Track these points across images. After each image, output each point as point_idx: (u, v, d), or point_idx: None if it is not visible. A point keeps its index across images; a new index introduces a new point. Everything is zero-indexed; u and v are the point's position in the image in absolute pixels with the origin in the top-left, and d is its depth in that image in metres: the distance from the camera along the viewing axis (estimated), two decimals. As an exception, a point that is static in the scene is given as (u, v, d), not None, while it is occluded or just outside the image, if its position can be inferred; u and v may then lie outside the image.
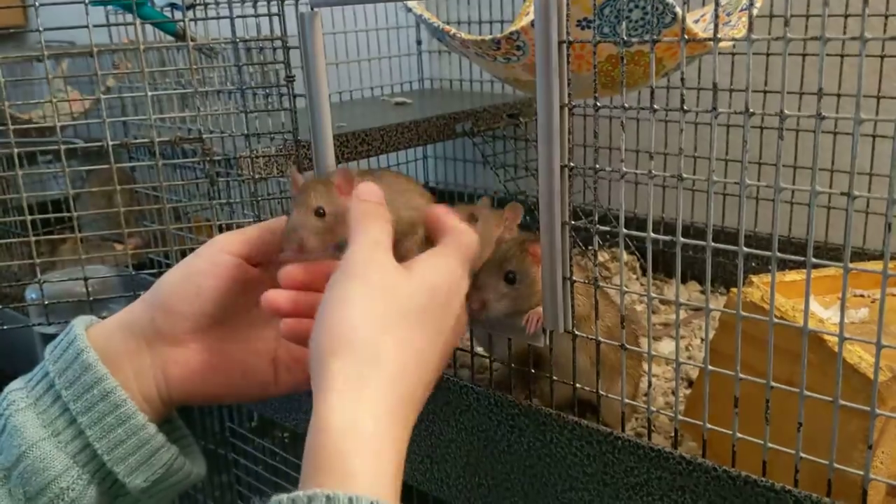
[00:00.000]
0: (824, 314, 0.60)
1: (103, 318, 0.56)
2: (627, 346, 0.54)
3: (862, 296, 0.64)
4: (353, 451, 0.41)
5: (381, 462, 0.42)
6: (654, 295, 0.54)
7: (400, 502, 0.43)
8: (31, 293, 0.96)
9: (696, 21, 0.83)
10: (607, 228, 0.56)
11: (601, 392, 0.58)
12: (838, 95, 0.84)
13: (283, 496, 0.39)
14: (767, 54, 0.90)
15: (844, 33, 0.84)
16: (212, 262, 0.54)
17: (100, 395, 0.51)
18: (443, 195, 1.26)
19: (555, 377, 0.61)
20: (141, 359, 0.54)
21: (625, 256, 1.05)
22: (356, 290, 0.46)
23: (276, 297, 0.53)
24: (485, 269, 0.58)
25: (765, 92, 0.90)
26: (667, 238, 0.51)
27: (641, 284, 0.99)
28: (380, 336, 0.45)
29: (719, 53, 0.95)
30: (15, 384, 0.53)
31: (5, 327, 0.82)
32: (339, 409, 0.42)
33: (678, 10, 0.65)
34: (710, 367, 0.50)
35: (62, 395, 0.51)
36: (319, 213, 0.54)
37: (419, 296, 0.48)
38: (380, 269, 0.48)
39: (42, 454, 0.49)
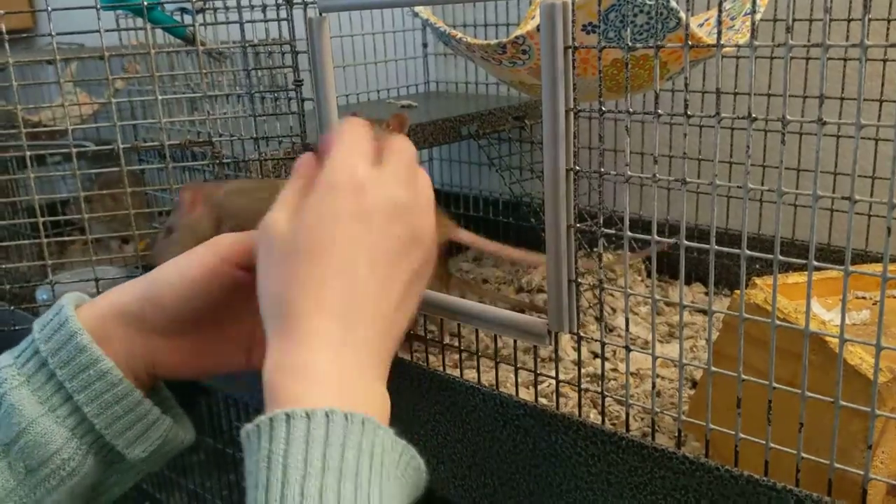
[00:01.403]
0: (826, 316, 0.60)
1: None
2: (631, 348, 0.55)
3: (864, 298, 0.65)
4: (300, 382, 0.45)
5: (336, 383, 0.45)
6: (658, 297, 0.55)
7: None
8: (41, 294, 0.97)
9: (701, 25, 0.84)
10: (612, 231, 0.57)
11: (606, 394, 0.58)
12: (841, 99, 0.85)
13: (248, 424, 0.43)
14: (771, 58, 0.91)
15: (847, 37, 0.85)
16: (211, 271, 0.55)
17: (96, 375, 0.52)
18: (448, 197, 1.27)
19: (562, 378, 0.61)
20: (131, 343, 0.55)
21: (630, 258, 1.06)
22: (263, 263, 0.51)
23: None
24: None
25: (769, 95, 0.90)
26: (671, 241, 0.52)
27: (647, 286, 1.00)
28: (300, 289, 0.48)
29: (724, 57, 0.96)
30: (4, 360, 0.54)
31: (17, 328, 0.83)
32: (276, 349, 0.47)
33: (682, 14, 0.66)
34: (712, 368, 0.51)
35: (56, 374, 0.52)
36: (170, 231, 0.68)
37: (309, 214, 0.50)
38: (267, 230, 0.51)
39: (43, 430, 0.51)
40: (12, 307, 0.90)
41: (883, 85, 0.84)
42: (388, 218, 0.50)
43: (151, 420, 0.55)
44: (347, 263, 0.48)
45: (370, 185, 0.50)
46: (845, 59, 0.85)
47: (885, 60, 0.83)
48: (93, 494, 0.55)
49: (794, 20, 0.88)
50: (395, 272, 0.50)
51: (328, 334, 0.47)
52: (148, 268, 0.89)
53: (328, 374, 0.45)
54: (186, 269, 0.56)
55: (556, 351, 0.60)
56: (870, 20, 0.85)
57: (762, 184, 0.92)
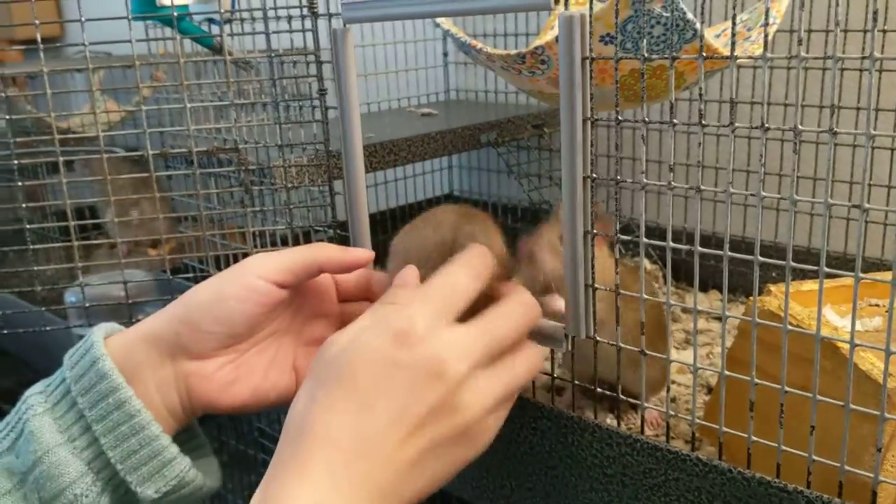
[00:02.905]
0: (840, 322, 0.61)
1: (136, 321, 0.57)
2: (647, 353, 0.56)
3: (877, 305, 0.66)
4: None
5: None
6: (673, 303, 0.56)
7: None
8: (70, 296, 1.00)
9: (718, 35, 0.85)
10: (628, 238, 0.58)
11: (620, 395, 0.59)
12: (857, 109, 0.85)
13: None
14: (788, 68, 0.92)
15: (863, 49, 0.85)
16: (246, 287, 0.55)
17: (115, 404, 0.51)
18: (468, 204, 1.28)
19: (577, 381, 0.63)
20: (163, 370, 0.54)
21: (648, 265, 1.07)
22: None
23: None
24: None
25: (785, 105, 0.91)
26: (685, 248, 0.53)
27: (664, 293, 1.01)
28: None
29: (741, 67, 0.96)
30: (35, 388, 0.54)
31: (47, 328, 0.85)
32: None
33: (698, 26, 0.67)
34: (725, 372, 0.52)
35: (77, 403, 0.52)
36: None
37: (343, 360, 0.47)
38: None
39: (57, 460, 0.50)
40: (43, 308, 0.92)
41: (899, 95, 0.84)
42: (422, 380, 0.47)
43: (168, 458, 0.53)
44: (367, 402, 0.46)
45: (419, 341, 0.47)
46: (861, 70, 0.86)
47: (901, 71, 0.84)
48: None
49: (809, 31, 0.89)
50: (416, 432, 0.47)
51: (328, 464, 0.44)
52: (174, 271, 0.92)
53: None
54: (223, 289, 0.55)
55: (572, 354, 0.61)
56: (885, 32, 0.85)
57: (779, 192, 0.93)
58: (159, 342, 0.54)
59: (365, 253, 0.60)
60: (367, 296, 0.63)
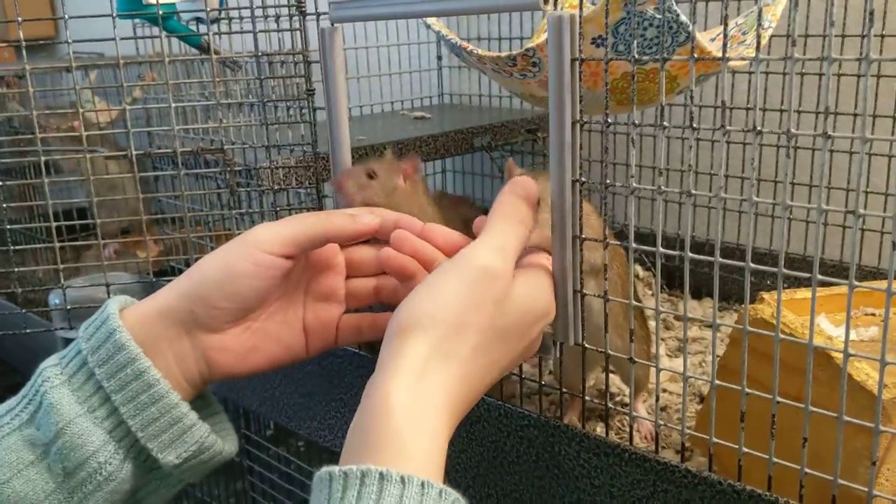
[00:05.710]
0: (834, 332, 0.60)
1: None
2: (636, 360, 0.55)
3: (873, 314, 0.65)
4: (409, 433, 0.43)
5: (433, 445, 0.44)
6: (664, 310, 0.55)
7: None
8: (54, 298, 0.98)
9: (713, 39, 0.84)
10: (618, 243, 0.57)
11: (614, 397, 0.58)
12: (854, 115, 0.84)
13: (335, 468, 0.41)
14: (784, 73, 0.91)
15: (861, 54, 0.84)
16: (254, 262, 0.55)
17: (133, 374, 0.52)
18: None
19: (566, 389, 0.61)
20: (181, 344, 0.55)
21: (640, 272, 1.05)
22: (454, 279, 0.49)
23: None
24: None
25: (780, 111, 0.90)
26: (676, 254, 0.52)
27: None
28: (460, 330, 0.48)
29: (736, 71, 0.95)
30: (50, 360, 0.54)
31: (28, 331, 0.84)
32: (404, 389, 0.44)
33: (692, 28, 0.65)
34: (716, 382, 0.51)
35: (95, 373, 0.52)
36: (370, 175, 0.64)
37: (512, 314, 0.50)
38: (487, 272, 0.50)
39: (79, 430, 0.51)
40: (25, 311, 0.90)
41: (897, 101, 0.83)
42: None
43: (187, 425, 0.54)
44: (519, 344, 0.51)
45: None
46: (858, 75, 0.85)
47: (899, 77, 0.83)
48: (132, 502, 0.55)
49: (806, 35, 0.88)
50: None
51: (467, 377, 0.47)
52: (159, 273, 0.90)
53: (438, 430, 0.45)
54: (231, 266, 0.55)
55: (560, 362, 0.60)
56: (883, 37, 0.84)
57: (774, 198, 0.92)
58: (174, 317, 0.55)
59: (372, 219, 0.60)
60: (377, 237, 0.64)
